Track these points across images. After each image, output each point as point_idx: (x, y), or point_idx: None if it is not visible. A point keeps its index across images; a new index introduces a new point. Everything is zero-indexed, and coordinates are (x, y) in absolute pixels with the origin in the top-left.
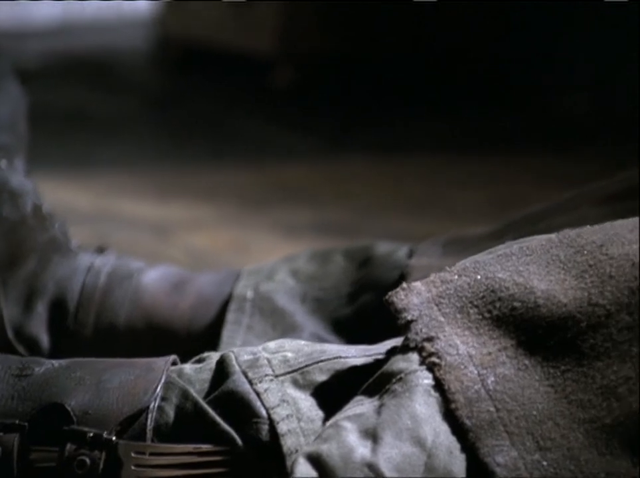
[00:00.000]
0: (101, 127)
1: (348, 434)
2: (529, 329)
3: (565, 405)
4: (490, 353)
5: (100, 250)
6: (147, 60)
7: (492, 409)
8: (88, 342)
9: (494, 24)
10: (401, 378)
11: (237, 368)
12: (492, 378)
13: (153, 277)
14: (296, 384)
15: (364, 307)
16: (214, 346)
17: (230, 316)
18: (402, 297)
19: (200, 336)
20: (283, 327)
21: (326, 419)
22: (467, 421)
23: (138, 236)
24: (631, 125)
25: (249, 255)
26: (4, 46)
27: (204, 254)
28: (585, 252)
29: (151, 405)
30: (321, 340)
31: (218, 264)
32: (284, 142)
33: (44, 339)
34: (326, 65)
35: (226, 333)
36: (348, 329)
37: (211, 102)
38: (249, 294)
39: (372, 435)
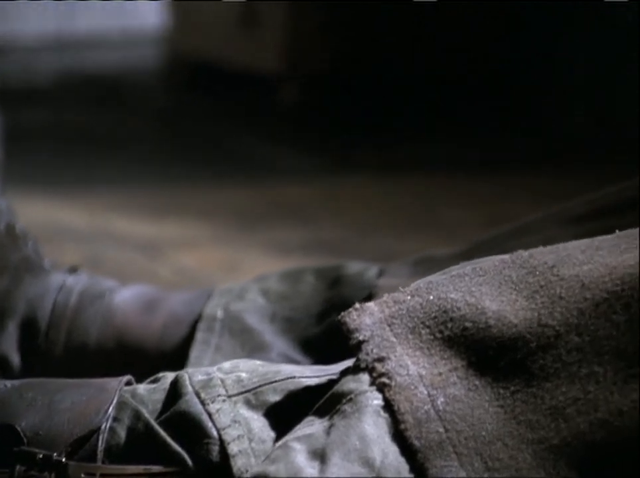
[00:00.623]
0: (103, 146)
1: (297, 455)
2: (480, 350)
3: (514, 425)
4: (441, 373)
5: (73, 269)
6: (154, 78)
7: (441, 429)
8: (59, 361)
9: (496, 45)
10: (351, 399)
11: (190, 388)
12: (442, 399)
13: (125, 297)
14: (249, 404)
15: (333, 327)
16: (184, 366)
17: (199, 335)
18: (355, 317)
19: (170, 356)
20: (252, 347)
21: (278, 439)
22: (416, 442)
23: (129, 254)
24: (632, 145)
25: (240, 274)
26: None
27: (193, 273)
28: (537, 273)
29: (103, 426)
30: (290, 359)
31: (207, 283)
32: (285, 161)
33: (15, 358)
34: (331, 84)
35: (194, 353)
36: (318, 348)
37: (215, 121)
38: (220, 313)
39: (320, 456)
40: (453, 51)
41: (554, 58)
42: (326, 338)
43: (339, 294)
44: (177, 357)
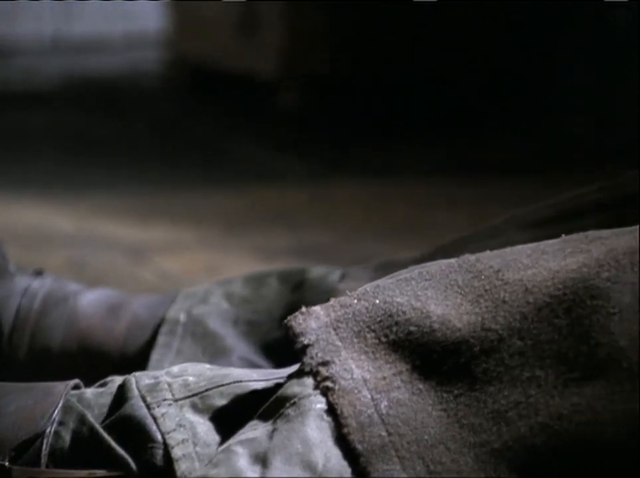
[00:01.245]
0: (98, 149)
1: (239, 459)
2: (424, 353)
3: (456, 429)
4: (385, 377)
5: (38, 273)
6: (154, 81)
7: (384, 433)
8: (23, 364)
9: (496, 46)
10: (294, 403)
11: (136, 392)
12: (386, 403)
13: (89, 300)
14: (195, 408)
15: None
16: (145, 370)
17: (161, 339)
18: (300, 321)
19: (133, 360)
20: (213, 350)
21: (223, 443)
22: (359, 446)
23: (114, 258)
24: (632, 151)
25: (222, 278)
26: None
27: (177, 278)
28: (483, 277)
29: (47, 430)
30: (251, 363)
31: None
32: (279, 165)
33: None
34: (330, 87)
35: (155, 356)
36: (279, 352)
37: (213, 124)
38: (182, 317)
39: (262, 460)
40: (452, 53)
41: (553, 61)
42: (287, 341)
43: (301, 298)
44: (140, 361)
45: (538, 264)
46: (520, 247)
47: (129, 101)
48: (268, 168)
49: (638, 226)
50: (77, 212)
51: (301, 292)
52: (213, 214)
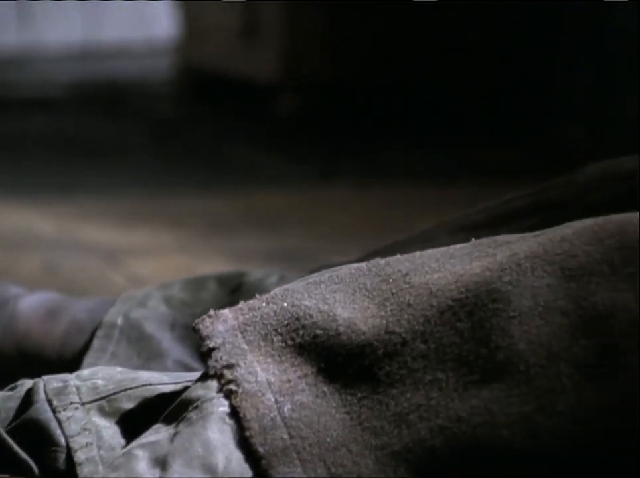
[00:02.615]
0: (94, 154)
1: (139, 462)
2: (330, 357)
3: (359, 432)
4: (290, 380)
5: None
6: (162, 87)
7: (286, 436)
8: None
9: (494, 53)
10: (197, 406)
11: (42, 395)
12: (289, 406)
13: (29, 303)
14: (102, 411)
15: None
16: None
17: (96, 343)
18: (208, 324)
19: (71, 363)
20: (148, 354)
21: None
22: (260, 449)
23: (88, 261)
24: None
25: None
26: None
27: (147, 281)
28: (391, 281)
29: None
30: (185, 366)
31: None
32: (272, 169)
33: None
34: (328, 93)
35: (88, 360)
36: None
37: (213, 129)
38: (120, 321)
39: (162, 463)
40: (450, 57)
41: (552, 65)
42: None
43: (239, 301)
44: (77, 364)
45: (445, 268)
46: (430, 251)
47: (133, 105)
48: (261, 171)
49: (542, 231)
50: (59, 215)
51: (238, 295)
52: (197, 218)
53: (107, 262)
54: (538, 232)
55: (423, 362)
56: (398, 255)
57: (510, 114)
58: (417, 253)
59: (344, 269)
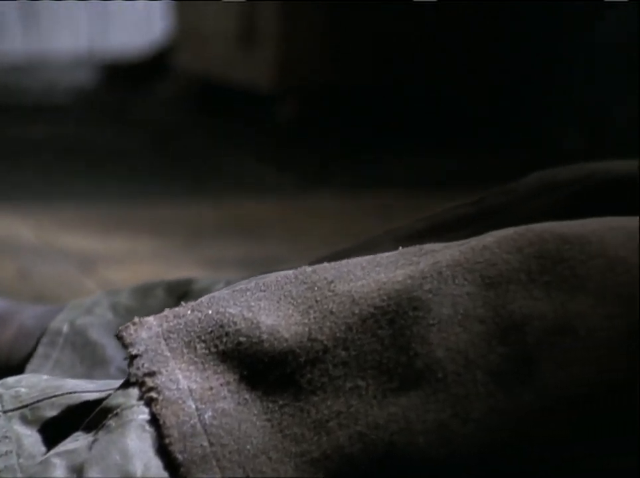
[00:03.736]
0: (85, 161)
1: (56, 470)
2: (252, 364)
3: (279, 439)
4: (212, 388)
5: None
6: (162, 93)
7: (205, 443)
8: None
9: (491, 64)
10: (117, 413)
11: None
12: (210, 413)
13: None
14: (24, 419)
15: None
16: None
17: (40, 349)
18: (131, 331)
19: (17, 369)
20: (92, 361)
21: None
22: (179, 456)
23: (63, 268)
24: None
25: None
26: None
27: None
28: (316, 288)
29: None
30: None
31: None
32: (261, 177)
33: None
34: (324, 100)
35: (31, 367)
36: None
37: (207, 137)
38: (65, 328)
39: (78, 471)
40: (447, 69)
41: (552, 76)
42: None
43: None
44: (22, 371)
45: (369, 276)
46: (358, 259)
47: (132, 112)
48: (250, 179)
49: (467, 240)
50: (40, 223)
51: (185, 302)
52: (178, 226)
53: (82, 269)
54: (462, 241)
55: (344, 370)
56: (325, 263)
57: (506, 122)
58: (345, 261)
59: (271, 277)
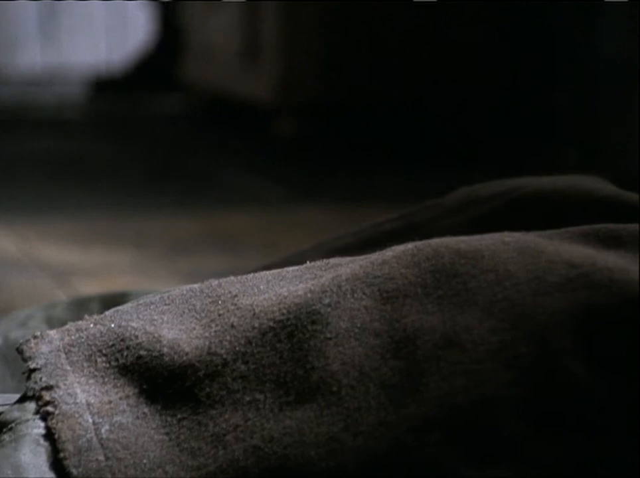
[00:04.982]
0: (75, 174)
1: None
2: (152, 378)
3: (177, 453)
4: (111, 401)
5: None
6: (168, 108)
7: (101, 458)
8: None
9: (489, 82)
10: (11, 428)
11: None
12: (107, 427)
13: None
14: None
15: None
16: None
17: None
18: (32, 345)
19: None
20: (23, 375)
21: None
22: (74, 470)
23: (38, 280)
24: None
25: None
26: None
27: None
28: (220, 302)
29: None
30: None
31: None
32: (255, 190)
33: None
34: (323, 116)
35: None
36: None
37: (207, 151)
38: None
39: None
40: (443, 86)
41: (550, 93)
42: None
43: None
44: None
45: (272, 290)
46: (265, 273)
47: (135, 127)
48: (240, 193)
49: (370, 254)
50: (23, 235)
51: None
52: (160, 239)
53: (57, 281)
54: (366, 256)
55: (243, 383)
56: (232, 277)
57: (501, 139)
58: (251, 275)
59: (177, 290)
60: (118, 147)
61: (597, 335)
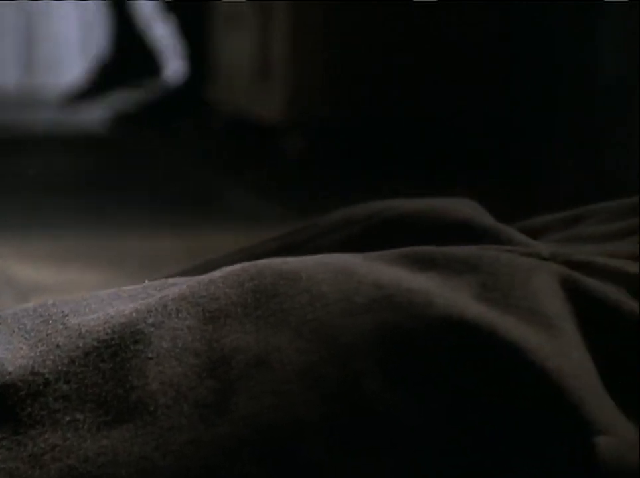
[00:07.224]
0: (64, 193)
1: None
2: None
3: None
4: None
5: None
6: (185, 127)
7: None
8: None
9: (496, 100)
10: None
11: None
12: None
13: None
14: None
15: None
16: None
17: None
18: None
19: None
20: None
21: None
22: None
23: (3, 298)
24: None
25: None
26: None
27: None
28: (51, 322)
29: None
30: None
31: None
32: (252, 209)
33: None
34: (331, 137)
35: None
36: None
37: (209, 169)
38: None
39: None
40: (453, 102)
41: (552, 118)
42: None
43: None
44: None
45: (103, 309)
46: (104, 292)
47: (135, 145)
48: (240, 212)
49: (200, 275)
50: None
51: None
52: (136, 258)
53: (20, 300)
54: (197, 276)
55: (64, 403)
56: (68, 297)
57: (505, 158)
58: (88, 295)
59: (10, 310)
60: (113, 163)
61: (397, 356)
